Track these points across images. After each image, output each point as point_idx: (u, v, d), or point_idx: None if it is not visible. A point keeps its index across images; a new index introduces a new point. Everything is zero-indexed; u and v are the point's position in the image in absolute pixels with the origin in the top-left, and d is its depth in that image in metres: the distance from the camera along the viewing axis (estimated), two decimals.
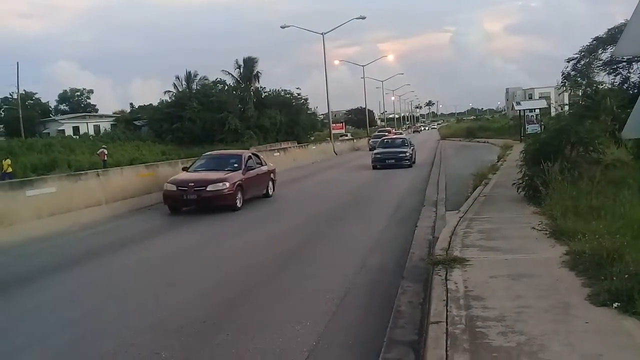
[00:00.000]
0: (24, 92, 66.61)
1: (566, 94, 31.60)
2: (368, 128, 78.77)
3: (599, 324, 4.09)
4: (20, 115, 56.32)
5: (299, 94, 63.33)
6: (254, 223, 11.48)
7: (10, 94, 67.06)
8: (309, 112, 64.63)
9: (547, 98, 55.21)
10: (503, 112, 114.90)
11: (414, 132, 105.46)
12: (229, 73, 61.34)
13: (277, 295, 6.12)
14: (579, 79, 22.15)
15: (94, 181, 13.55)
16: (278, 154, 29.76)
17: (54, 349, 4.92)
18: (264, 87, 62.52)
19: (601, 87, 16.96)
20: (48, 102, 79.09)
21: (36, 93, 75.51)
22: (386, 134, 45.40)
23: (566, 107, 23.30)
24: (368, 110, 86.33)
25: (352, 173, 23.64)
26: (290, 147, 36.71)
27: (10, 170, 29.77)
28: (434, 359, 3.72)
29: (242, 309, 5.70)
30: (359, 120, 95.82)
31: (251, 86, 61.03)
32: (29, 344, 5.06)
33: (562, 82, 27.33)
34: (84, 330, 5.33)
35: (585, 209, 7.47)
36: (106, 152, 38.66)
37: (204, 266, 7.85)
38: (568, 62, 27.85)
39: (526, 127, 32.59)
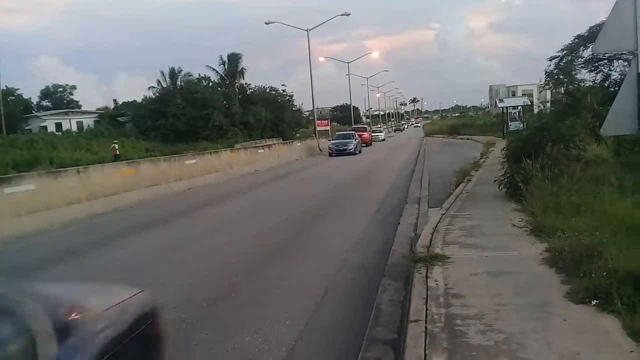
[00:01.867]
0: (5, 88, 65.60)
1: (549, 92, 31.93)
2: (353, 125, 78.87)
3: (577, 321, 4.09)
4: (2, 112, 55.46)
5: (284, 91, 63.24)
6: (234, 220, 11.40)
7: None
8: (294, 108, 64.54)
9: (530, 95, 55.78)
10: (487, 109, 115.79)
11: (395, 130, 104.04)
12: (214, 69, 60.94)
13: (257, 294, 6.06)
14: (561, 76, 22.35)
15: (75, 178, 13.40)
16: (262, 150, 29.70)
17: None
18: (249, 84, 62.30)
19: (583, 84, 17.15)
20: (30, 98, 78.09)
21: (18, 89, 74.45)
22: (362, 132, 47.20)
23: (548, 105, 23.53)
24: (353, 107, 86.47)
25: (335, 170, 23.63)
26: (274, 144, 36.61)
27: None
28: (412, 358, 3.69)
29: (222, 308, 5.64)
30: (344, 117, 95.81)
31: (236, 82, 60.71)
32: None
33: (545, 80, 27.57)
34: None
35: (565, 206, 7.49)
36: (117, 147, 39.53)
37: (181, 265, 7.75)
38: (551, 60, 28.06)
39: (509, 124, 32.80)
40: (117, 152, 38.58)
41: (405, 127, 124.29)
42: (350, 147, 34.40)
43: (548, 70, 27.88)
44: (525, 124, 23.85)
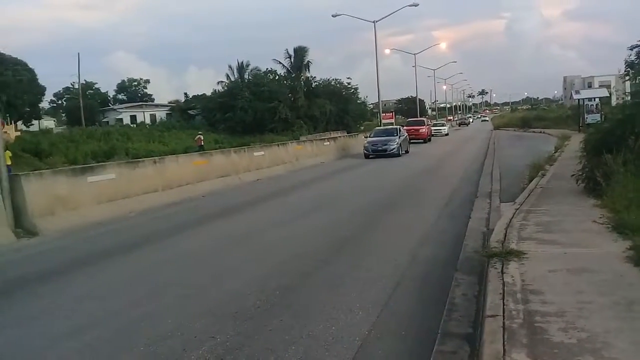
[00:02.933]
0: (84, 82, 69.40)
1: (628, 83, 30.23)
2: (419, 117, 77.73)
3: None
4: (81, 105, 58.73)
5: (349, 83, 63.16)
6: (304, 210, 11.55)
7: (71, 84, 70.23)
8: (358, 101, 64.37)
9: (608, 87, 52.93)
10: (560, 102, 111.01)
11: (460, 124, 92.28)
12: (280, 62, 61.75)
13: (329, 283, 6.14)
14: None
15: (151, 168, 13.98)
16: (328, 143, 29.83)
17: (113, 330, 5.12)
18: (314, 77, 62.63)
19: None
20: (107, 91, 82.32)
21: (96, 83, 78.71)
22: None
23: (629, 97, 22.26)
24: (419, 99, 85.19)
25: (400, 163, 23.44)
26: (340, 137, 36.68)
27: (9, 163, 28.07)
28: (491, 353, 3.64)
29: (295, 296, 5.75)
30: (409, 109, 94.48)
31: (301, 76, 61.21)
32: (90, 324, 5.28)
33: (625, 71, 26.10)
34: (141, 313, 5.51)
35: None
36: (202, 138, 41.49)
37: (257, 252, 7.96)
38: (631, 49, 26.53)
39: (585, 117, 31.39)
40: (202, 143, 40.25)
41: (471, 120, 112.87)
42: (392, 147, 26.41)
43: (629, 60, 26.38)
44: (603, 116, 22.72)
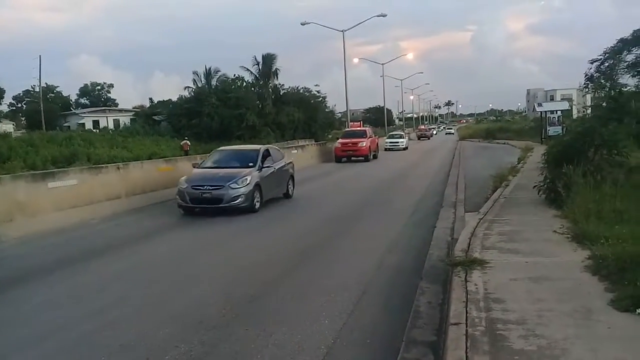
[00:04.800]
0: (45, 86, 67.83)
1: (589, 96, 31.21)
2: (386, 127, 78.50)
3: (622, 329, 4.03)
4: (42, 108, 57.22)
5: (317, 92, 63.30)
6: (271, 221, 11.52)
7: (32, 87, 68.46)
8: (327, 110, 64.57)
9: (570, 100, 54.55)
10: (523, 114, 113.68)
11: (419, 137, 72.09)
12: (248, 69, 61.45)
13: (295, 292, 6.13)
14: (602, 81, 21.86)
15: (114, 174, 13.71)
16: (296, 151, 29.80)
17: (73, 339, 4.98)
18: (283, 84, 62.59)
19: (626, 89, 16.71)
20: (69, 95, 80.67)
21: (58, 86, 77.11)
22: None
23: (589, 110, 23.02)
24: (387, 109, 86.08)
25: (369, 171, 23.59)
26: (307, 145, 36.70)
27: None
28: None
29: (261, 305, 5.72)
30: (377, 119, 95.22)
31: (270, 83, 61.11)
32: (49, 334, 5.13)
33: (585, 84, 26.96)
34: (104, 321, 5.39)
35: (608, 213, 7.37)
36: (188, 144, 42.14)
37: (222, 261, 7.90)
38: (592, 63, 27.39)
39: (547, 129, 32.23)
40: (189, 148, 40.66)
41: (435, 132, 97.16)
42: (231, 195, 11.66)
43: (589, 74, 27.27)
44: (565, 129, 23.40)
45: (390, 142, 44.50)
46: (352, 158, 29.90)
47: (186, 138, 44.34)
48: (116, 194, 13.33)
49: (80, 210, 11.90)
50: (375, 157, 32.03)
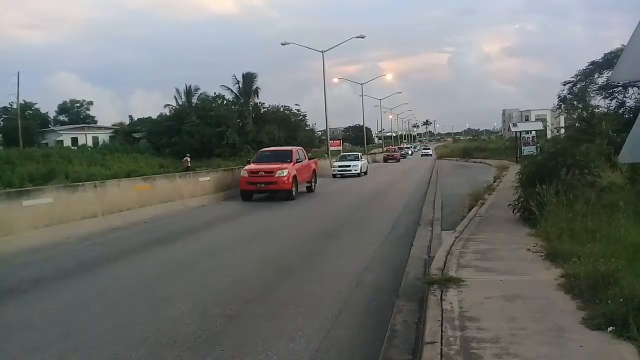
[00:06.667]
0: (23, 102, 66.94)
1: (562, 117, 31.94)
2: (365, 146, 79.07)
3: (593, 347, 4.09)
4: (20, 125, 56.45)
5: (298, 110, 63.75)
6: (248, 239, 11.48)
7: (9, 104, 67.48)
8: (307, 128, 64.99)
9: (544, 120, 55.67)
10: (499, 133, 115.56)
11: (387, 159, 62.18)
12: (228, 88, 61.72)
13: (271, 312, 6.10)
14: (575, 102, 22.43)
15: (91, 193, 13.57)
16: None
17: None
18: (263, 103, 62.93)
19: (597, 110, 17.16)
20: (47, 112, 79.77)
21: (36, 103, 76.15)
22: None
23: (562, 130, 23.58)
24: (366, 127, 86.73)
25: (347, 189, 23.67)
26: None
27: None
28: None
29: (236, 324, 5.68)
30: (356, 137, 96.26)
31: (250, 101, 61.37)
32: (23, 356, 5.03)
33: (558, 105, 27.65)
34: (76, 343, 5.30)
35: (580, 232, 7.49)
36: (189, 160, 43.31)
37: (196, 280, 7.80)
38: (564, 85, 28.24)
39: (522, 148, 32.77)
40: (189, 165, 41.83)
41: (409, 153, 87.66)
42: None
43: (562, 95, 27.97)
44: (539, 148, 23.86)
45: (341, 167, 33.79)
46: (266, 193, 19.70)
47: (188, 155, 45.70)
48: (93, 213, 13.17)
49: (55, 229, 11.73)
50: (310, 189, 22.12)
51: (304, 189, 21.54)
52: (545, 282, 5.87)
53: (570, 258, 6.25)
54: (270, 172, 19.29)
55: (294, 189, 19.52)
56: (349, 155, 39.05)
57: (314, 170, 23.00)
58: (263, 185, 19.34)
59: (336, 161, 35.94)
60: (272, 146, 34.97)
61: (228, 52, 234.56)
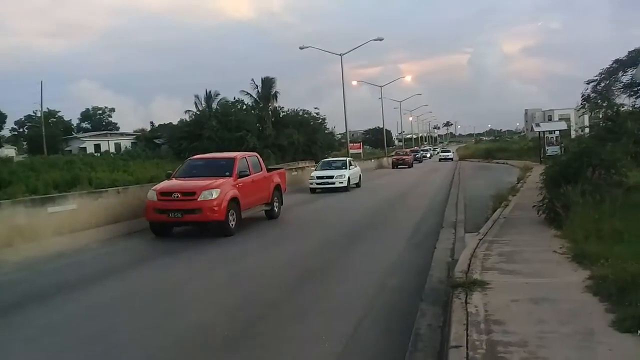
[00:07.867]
0: (47, 110, 68.22)
1: (586, 116, 31.43)
2: (386, 148, 78.78)
3: (623, 350, 4.01)
4: (43, 133, 57.53)
5: (317, 114, 63.73)
6: (266, 246, 11.50)
7: (34, 112, 69.01)
8: (326, 131, 64.93)
9: (567, 120, 54.82)
10: (522, 134, 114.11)
11: (396, 164, 52.09)
12: (248, 93, 61.99)
13: (296, 315, 6.10)
14: (599, 101, 22.06)
15: (114, 198, 13.71)
16: (296, 172, 29.89)
17: None
18: (282, 107, 63.07)
19: (622, 109, 16.84)
20: (70, 120, 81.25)
21: (59, 111, 77.61)
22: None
23: (586, 129, 23.21)
24: (386, 130, 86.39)
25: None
26: (307, 167, 36.77)
27: None
28: None
29: (261, 328, 5.69)
30: (376, 140, 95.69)
31: (269, 106, 61.55)
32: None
33: (581, 104, 27.24)
34: (104, 347, 5.35)
35: (608, 233, 7.35)
36: None
37: (220, 284, 7.87)
38: (588, 83, 27.75)
39: (546, 149, 32.35)
40: None
41: (428, 156, 79.95)
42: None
43: (585, 94, 27.54)
44: (563, 148, 23.53)
45: (320, 178, 24.83)
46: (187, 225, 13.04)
47: None
48: (116, 218, 13.31)
49: (80, 234, 11.88)
50: (270, 214, 15.14)
51: (263, 213, 14.90)
52: (572, 285, 5.76)
53: (597, 259, 6.14)
54: (191, 194, 12.23)
55: (231, 218, 12.39)
56: (334, 161, 28.72)
57: (277, 187, 15.60)
58: (179, 215, 12.17)
59: (315, 169, 27.25)
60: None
61: (247, 57, 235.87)
